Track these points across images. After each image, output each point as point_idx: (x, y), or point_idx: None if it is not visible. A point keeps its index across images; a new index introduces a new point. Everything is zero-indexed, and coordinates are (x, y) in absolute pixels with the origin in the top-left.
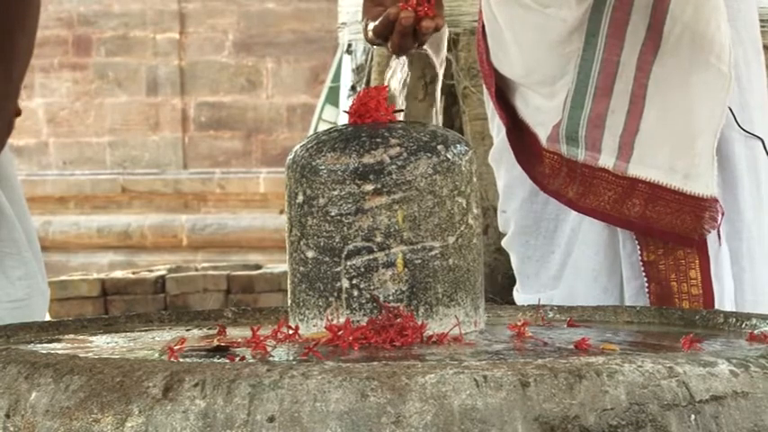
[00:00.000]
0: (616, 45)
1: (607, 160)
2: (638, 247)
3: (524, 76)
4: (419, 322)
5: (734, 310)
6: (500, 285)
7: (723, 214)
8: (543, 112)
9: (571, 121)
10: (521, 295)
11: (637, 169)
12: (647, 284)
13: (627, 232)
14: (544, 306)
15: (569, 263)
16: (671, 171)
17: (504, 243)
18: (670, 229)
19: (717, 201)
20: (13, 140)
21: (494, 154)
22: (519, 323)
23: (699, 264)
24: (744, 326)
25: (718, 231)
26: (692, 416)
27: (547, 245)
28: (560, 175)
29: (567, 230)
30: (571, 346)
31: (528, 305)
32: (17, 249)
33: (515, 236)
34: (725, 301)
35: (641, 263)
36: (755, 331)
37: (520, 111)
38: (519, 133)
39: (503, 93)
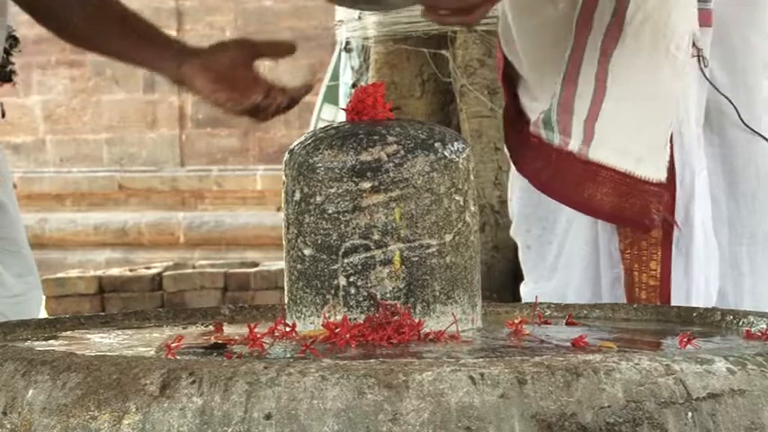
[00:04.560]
0: (585, 30)
1: (574, 144)
2: (617, 236)
3: (528, 71)
4: (416, 320)
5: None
6: (497, 283)
7: (665, 198)
8: (539, 101)
9: (548, 106)
10: (522, 286)
11: (595, 153)
12: (624, 274)
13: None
14: (541, 304)
15: (564, 253)
16: (624, 154)
17: (510, 232)
18: (621, 212)
19: (665, 186)
20: (10, 138)
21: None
22: (516, 321)
23: (660, 255)
24: (741, 324)
25: (688, 226)
26: (689, 413)
27: (546, 235)
28: (541, 159)
29: (564, 221)
30: (568, 344)
31: (525, 303)
32: (17, 247)
33: (518, 224)
34: (692, 298)
35: (619, 251)
36: (752, 329)
37: (521, 96)
38: (516, 114)
39: (510, 76)
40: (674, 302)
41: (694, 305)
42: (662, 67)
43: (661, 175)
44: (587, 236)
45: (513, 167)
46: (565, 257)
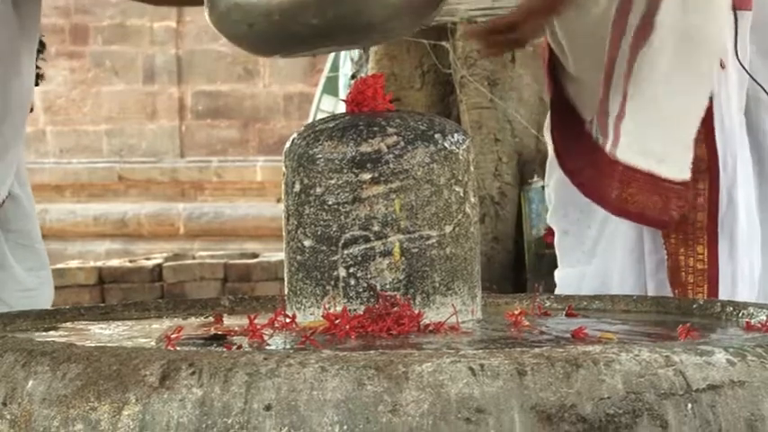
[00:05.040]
0: (620, 30)
1: (607, 144)
2: None
3: (573, 66)
4: (416, 311)
5: (755, 293)
6: (497, 274)
7: (685, 197)
8: (587, 96)
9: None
10: (558, 271)
11: (621, 153)
12: (666, 258)
13: None
14: (541, 295)
15: (604, 237)
16: (646, 154)
17: (548, 219)
18: (643, 210)
19: (687, 186)
20: None
21: (547, 125)
22: (516, 312)
23: (706, 239)
24: (741, 315)
25: (736, 211)
26: (689, 405)
27: (584, 219)
28: (585, 157)
29: None
30: (568, 335)
31: (525, 294)
32: (30, 241)
33: (555, 209)
34: (738, 281)
35: (662, 236)
36: (752, 320)
37: (567, 88)
38: (564, 107)
39: (554, 65)
40: (720, 286)
41: (740, 288)
42: (687, 70)
43: (685, 175)
44: None
45: (550, 153)
46: (605, 241)
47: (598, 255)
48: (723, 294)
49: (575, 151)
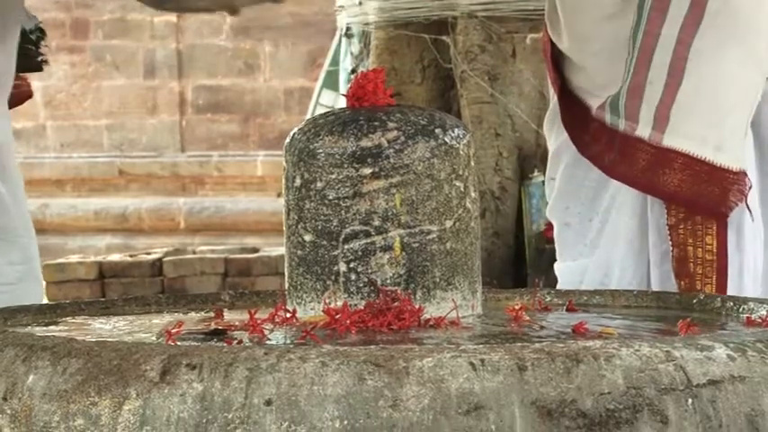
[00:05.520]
0: (658, 17)
1: (643, 130)
2: (665, 210)
3: (569, 48)
4: (417, 306)
5: (759, 287)
6: (497, 269)
7: (751, 188)
8: (591, 80)
9: (616, 91)
10: (558, 264)
11: (671, 140)
12: (671, 249)
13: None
14: (542, 290)
15: (606, 229)
16: (703, 143)
17: (547, 212)
18: (697, 198)
19: (745, 175)
20: (11, 124)
21: (548, 118)
22: (516, 307)
23: (716, 230)
24: (741, 310)
25: (748, 204)
26: (690, 400)
27: (586, 211)
28: (600, 143)
29: (607, 197)
30: (569, 330)
31: (525, 289)
32: (14, 237)
33: (557, 200)
34: (744, 273)
35: (667, 227)
36: (753, 316)
37: (571, 78)
38: (568, 97)
39: (557, 58)
40: (729, 277)
41: (746, 281)
42: (740, 56)
43: (741, 164)
44: (633, 210)
45: (551, 148)
46: (608, 233)
47: (600, 246)
48: (731, 285)
49: (587, 138)
